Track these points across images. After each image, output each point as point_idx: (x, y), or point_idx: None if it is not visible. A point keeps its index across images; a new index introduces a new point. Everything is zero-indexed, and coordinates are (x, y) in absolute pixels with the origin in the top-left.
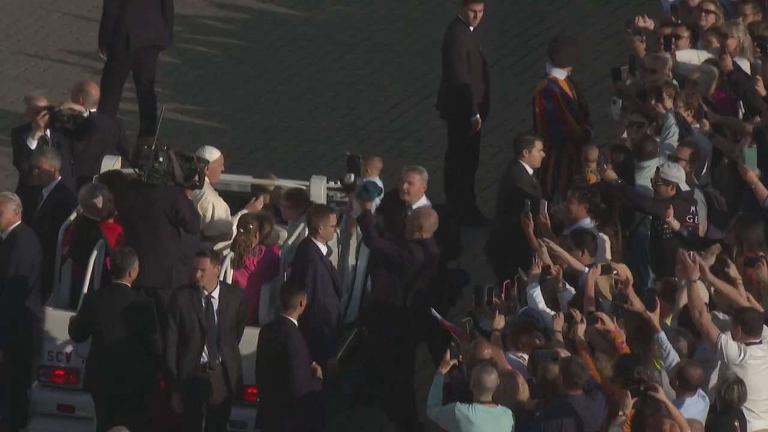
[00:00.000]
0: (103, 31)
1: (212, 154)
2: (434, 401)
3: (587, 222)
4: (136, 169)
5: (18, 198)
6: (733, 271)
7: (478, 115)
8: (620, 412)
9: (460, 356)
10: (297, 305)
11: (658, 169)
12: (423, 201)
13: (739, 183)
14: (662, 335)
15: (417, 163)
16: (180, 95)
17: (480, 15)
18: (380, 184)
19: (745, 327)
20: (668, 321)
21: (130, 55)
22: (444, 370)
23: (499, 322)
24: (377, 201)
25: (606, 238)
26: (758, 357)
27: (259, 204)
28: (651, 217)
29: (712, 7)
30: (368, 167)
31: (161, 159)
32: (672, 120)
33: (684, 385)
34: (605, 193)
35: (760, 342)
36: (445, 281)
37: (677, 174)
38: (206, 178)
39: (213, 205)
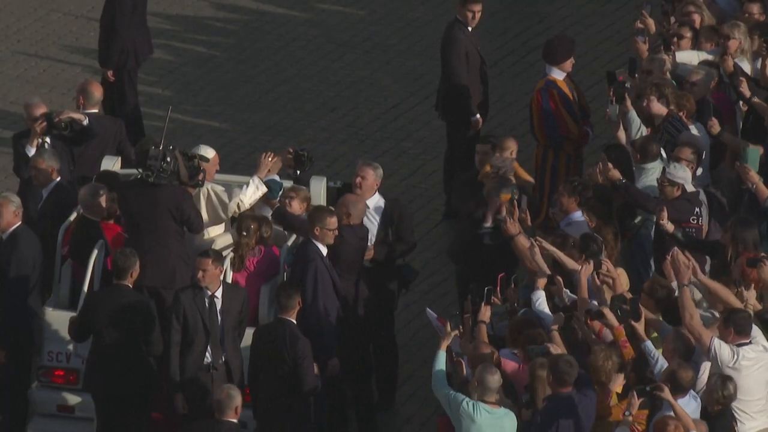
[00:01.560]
0: (113, 50)
1: (207, 153)
2: (440, 379)
3: (578, 215)
4: (141, 170)
5: (18, 199)
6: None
7: (478, 115)
8: (626, 412)
9: (461, 327)
10: (295, 306)
11: (664, 169)
12: (376, 197)
13: (738, 183)
14: (649, 344)
15: (417, 164)
16: (180, 95)
17: (478, 15)
18: (278, 179)
19: (737, 328)
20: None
21: (135, 70)
22: (446, 343)
23: (485, 313)
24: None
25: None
26: (750, 358)
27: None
28: (656, 218)
29: (691, 8)
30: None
31: (169, 159)
32: (635, 116)
33: (675, 388)
34: (607, 192)
35: (750, 342)
36: (394, 277)
37: (683, 175)
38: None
39: (209, 191)
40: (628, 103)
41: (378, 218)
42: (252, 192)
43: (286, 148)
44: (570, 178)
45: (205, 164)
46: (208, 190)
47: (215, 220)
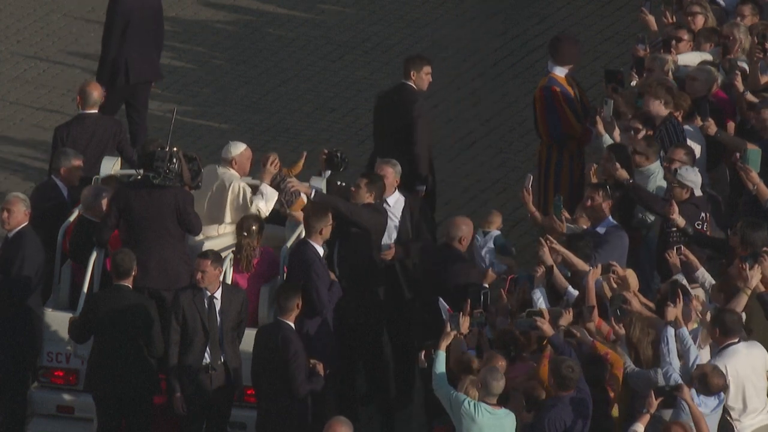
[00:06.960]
0: (104, 65)
1: (238, 147)
2: (441, 379)
3: (610, 220)
4: (145, 171)
5: (28, 199)
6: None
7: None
8: (644, 410)
9: (461, 321)
10: (294, 308)
11: (676, 170)
12: (396, 195)
13: (738, 183)
14: (684, 330)
15: None
16: (180, 95)
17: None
18: (508, 244)
19: (724, 329)
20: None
21: (128, 89)
22: (445, 343)
23: (464, 324)
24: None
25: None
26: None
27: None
28: (661, 220)
29: (697, 8)
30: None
31: (174, 160)
32: (608, 140)
33: (703, 390)
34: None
35: (738, 341)
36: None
37: (694, 179)
38: (236, 173)
39: (240, 189)
40: (601, 128)
41: (399, 216)
42: (269, 199)
43: (286, 148)
44: (600, 183)
45: (238, 159)
46: (240, 187)
47: (234, 219)
